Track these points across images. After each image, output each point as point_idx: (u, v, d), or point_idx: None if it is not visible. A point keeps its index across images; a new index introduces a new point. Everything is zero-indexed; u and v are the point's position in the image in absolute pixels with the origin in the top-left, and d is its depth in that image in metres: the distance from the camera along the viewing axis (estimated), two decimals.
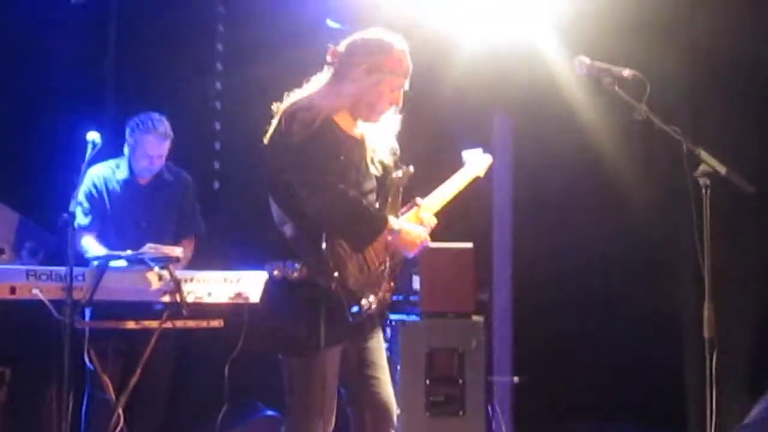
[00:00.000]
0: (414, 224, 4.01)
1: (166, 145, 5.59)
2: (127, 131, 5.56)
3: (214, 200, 6.77)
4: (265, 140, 3.88)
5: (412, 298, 5.63)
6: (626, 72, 3.99)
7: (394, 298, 5.30)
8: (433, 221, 4.11)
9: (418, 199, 4.14)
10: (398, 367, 5.31)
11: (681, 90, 5.95)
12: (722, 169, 3.85)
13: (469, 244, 5.51)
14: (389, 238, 3.87)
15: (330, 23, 6.49)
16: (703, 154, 3.88)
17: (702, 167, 3.87)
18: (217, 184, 6.93)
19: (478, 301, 5.59)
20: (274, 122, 3.86)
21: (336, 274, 3.73)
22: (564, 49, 6.15)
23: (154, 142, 5.52)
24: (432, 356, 5.39)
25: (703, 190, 3.86)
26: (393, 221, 3.88)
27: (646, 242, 6.39)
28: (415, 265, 5.54)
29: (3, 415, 5.27)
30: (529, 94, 6.58)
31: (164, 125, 5.57)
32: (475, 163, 4.44)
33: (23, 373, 5.32)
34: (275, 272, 3.87)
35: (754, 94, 5.98)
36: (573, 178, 6.68)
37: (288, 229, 3.84)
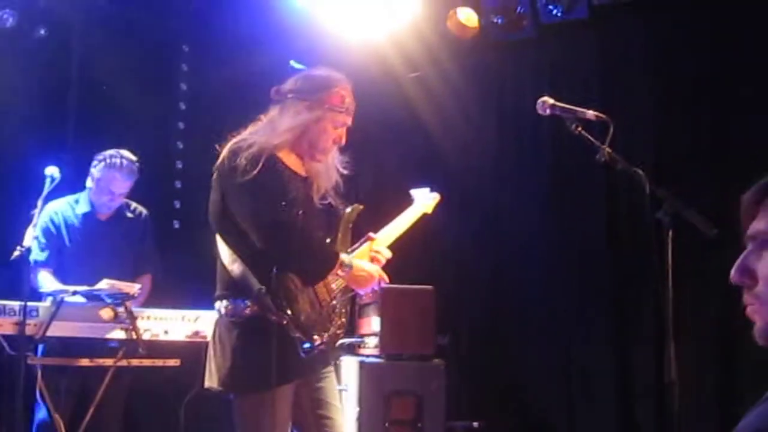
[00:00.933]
0: (366, 261, 3.98)
1: (129, 184, 5.53)
2: (94, 164, 5.48)
3: (174, 239, 6.75)
4: (213, 179, 3.83)
5: (370, 339, 5.54)
6: (590, 113, 3.98)
7: (353, 339, 5.44)
8: (388, 254, 4.09)
9: (372, 234, 4.12)
10: (357, 409, 5.23)
11: (644, 129, 5.98)
12: (684, 210, 3.82)
13: (429, 287, 5.45)
14: (341, 273, 3.83)
15: (294, 64, 6.49)
16: (666, 195, 3.85)
17: (664, 207, 3.84)
18: (177, 224, 6.92)
19: (439, 344, 5.48)
20: (219, 161, 3.81)
21: (288, 310, 3.67)
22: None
23: (119, 180, 5.46)
24: (391, 399, 5.31)
25: (666, 231, 3.83)
26: (345, 257, 3.84)
27: (608, 284, 6.36)
28: (373, 307, 5.46)
29: None
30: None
31: (133, 165, 5.51)
32: (423, 200, 4.49)
33: None
34: (225, 310, 3.81)
35: (714, 128, 5.98)
36: (531, 215, 6.69)
37: (237, 267, 3.78)
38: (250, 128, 3.88)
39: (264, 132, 3.83)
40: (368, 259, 4.04)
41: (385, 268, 4.11)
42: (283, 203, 3.74)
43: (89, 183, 5.50)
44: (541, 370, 6.54)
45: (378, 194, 4.52)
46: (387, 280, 4.02)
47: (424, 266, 6.04)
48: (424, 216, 4.52)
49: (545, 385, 6.53)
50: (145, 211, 5.77)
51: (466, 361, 6.05)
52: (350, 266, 3.84)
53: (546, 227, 6.66)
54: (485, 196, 6.98)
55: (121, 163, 5.44)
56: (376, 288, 4.01)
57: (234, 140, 3.81)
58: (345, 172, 4.04)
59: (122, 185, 5.48)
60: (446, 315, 5.47)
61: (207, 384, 3.88)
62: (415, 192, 4.54)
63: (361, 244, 4.10)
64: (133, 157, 5.53)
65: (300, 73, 3.98)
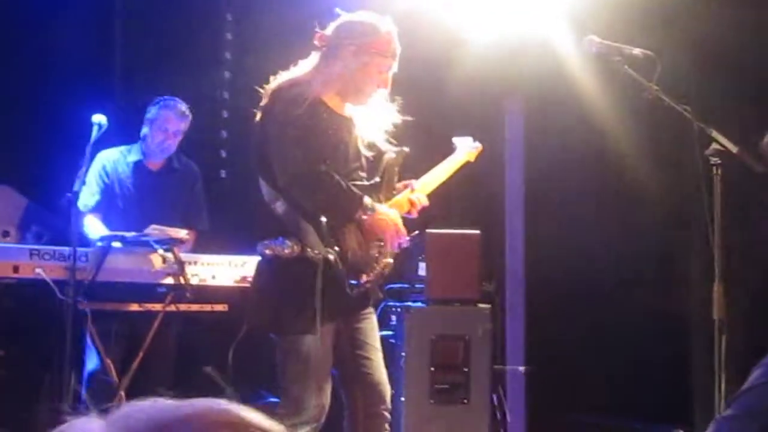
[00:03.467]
0: (390, 209, 3.98)
1: (183, 126, 5.54)
2: (149, 109, 5.50)
3: (221, 188, 6.73)
4: (255, 120, 3.89)
5: (417, 285, 5.53)
6: (636, 51, 3.92)
7: (399, 285, 5.45)
8: (425, 201, 4.12)
9: (413, 182, 4.16)
10: (403, 354, 5.24)
11: (690, 71, 5.85)
12: (734, 148, 3.78)
13: (476, 231, 5.42)
14: (363, 217, 3.83)
15: (339, 12, 6.42)
16: (714, 133, 3.81)
17: (713, 146, 3.79)
18: (223, 173, 6.90)
19: (485, 291, 5.47)
20: (262, 102, 3.87)
21: (336, 247, 3.69)
22: (575, 36, 6.08)
23: (173, 118, 5.47)
24: (437, 343, 5.28)
25: (714, 170, 3.79)
26: (367, 201, 3.85)
27: (657, 226, 6.29)
28: (421, 252, 5.45)
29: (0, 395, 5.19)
30: (541, 82, 6.50)
31: (185, 108, 5.55)
32: (465, 149, 4.50)
33: (21, 354, 5.25)
34: (267, 251, 3.85)
35: (760, 77, 5.85)
36: (584, 166, 6.61)
37: (280, 206, 3.83)
38: (293, 72, 3.89)
39: (308, 76, 3.86)
40: (406, 205, 4.07)
41: (429, 212, 4.18)
42: (321, 145, 3.78)
43: (144, 130, 5.51)
44: (587, 314, 6.50)
45: (422, 140, 4.49)
46: (405, 236, 4.02)
47: (471, 212, 5.98)
48: (467, 164, 4.53)
49: (591, 329, 6.46)
50: (195, 166, 5.78)
51: (512, 307, 5.94)
52: (373, 210, 3.85)
53: (592, 171, 6.56)
54: (532, 143, 6.86)
55: (175, 103, 5.48)
56: (397, 242, 3.98)
57: (277, 83, 3.84)
58: (391, 116, 4.04)
59: (176, 123, 5.48)
60: (492, 261, 5.40)
61: (249, 324, 3.98)
62: (457, 140, 4.55)
63: (400, 192, 4.13)
64: (184, 105, 5.56)
65: (345, 18, 3.97)
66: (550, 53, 6.38)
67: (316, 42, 3.93)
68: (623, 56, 3.93)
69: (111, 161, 5.51)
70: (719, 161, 3.80)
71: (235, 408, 1.18)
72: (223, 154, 6.92)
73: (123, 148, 5.58)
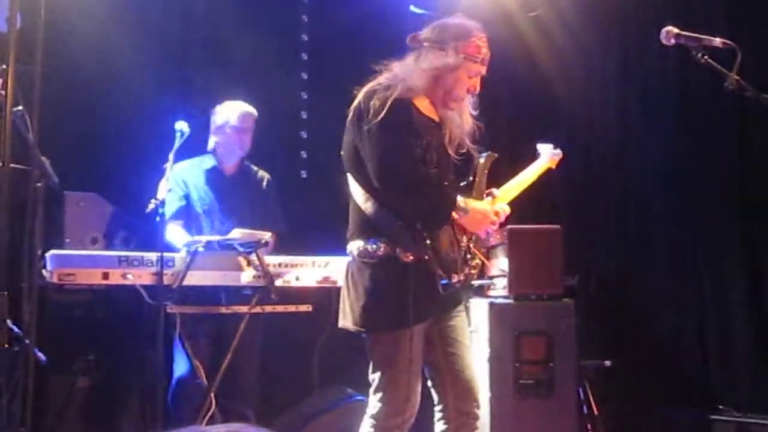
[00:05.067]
0: (481, 202, 4.03)
1: (253, 122, 5.60)
2: (213, 115, 5.58)
3: (302, 188, 6.81)
4: (347, 121, 3.91)
5: (499, 280, 5.54)
6: (717, 41, 3.85)
7: (482, 281, 5.52)
8: (507, 210, 4.15)
9: (494, 190, 4.18)
10: (488, 350, 5.24)
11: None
12: None
13: (557, 226, 5.40)
14: (457, 216, 3.87)
15: (414, 9, 6.46)
16: None
17: None
18: (304, 174, 6.96)
19: (567, 285, 5.45)
20: (354, 103, 3.89)
21: (429, 247, 3.74)
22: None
23: (242, 116, 5.54)
24: (522, 339, 5.29)
25: None
26: (460, 201, 3.88)
27: (739, 214, 6.19)
28: (501, 248, 5.46)
29: (91, 402, 5.30)
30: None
31: (248, 105, 5.61)
32: (548, 155, 4.59)
33: (113, 359, 5.35)
34: (357, 251, 3.87)
35: None
36: (656, 153, 6.59)
37: (371, 206, 3.85)
38: (385, 74, 3.92)
39: (400, 77, 3.88)
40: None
41: (510, 214, 4.18)
42: (412, 147, 3.79)
43: (215, 138, 5.59)
44: (672, 305, 6.44)
45: (509, 147, 4.52)
46: (507, 212, 4.11)
47: (551, 207, 5.96)
48: (549, 171, 4.60)
49: (676, 321, 6.42)
50: (267, 175, 5.81)
51: (595, 302, 5.95)
52: (466, 210, 3.89)
53: (675, 162, 6.51)
54: (611, 135, 6.85)
55: (240, 102, 5.58)
56: (492, 229, 4.04)
57: (370, 84, 3.88)
58: (479, 122, 4.08)
59: (245, 120, 5.56)
60: (574, 255, 5.37)
61: (341, 324, 3.98)
62: (540, 147, 4.62)
63: (486, 197, 4.15)
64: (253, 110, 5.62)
65: (437, 21, 4.02)
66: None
67: (408, 42, 3.98)
68: (703, 47, 3.86)
69: (186, 170, 5.58)
70: None
71: None
72: (304, 155, 6.98)
73: (196, 158, 5.64)
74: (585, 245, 6.19)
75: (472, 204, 3.95)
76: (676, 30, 3.89)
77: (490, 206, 4.03)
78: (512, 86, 6.80)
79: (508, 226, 5.20)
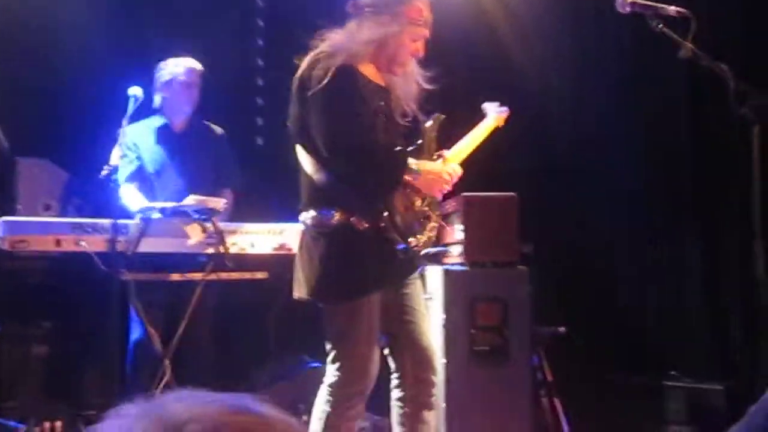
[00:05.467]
0: (433, 163, 4.04)
1: (198, 77, 5.59)
2: (158, 72, 5.57)
3: (258, 155, 6.81)
4: (292, 92, 3.90)
5: (454, 247, 5.50)
6: (671, 9, 3.87)
7: (438, 249, 5.40)
8: (459, 171, 4.15)
9: (445, 152, 4.19)
10: (443, 316, 5.19)
11: (730, 28, 5.79)
12: None
13: (512, 194, 5.38)
14: (409, 178, 3.88)
15: None
16: (752, 90, 3.76)
17: (750, 102, 3.75)
18: (260, 140, 6.95)
19: (522, 253, 5.43)
20: (298, 73, 3.87)
21: (385, 212, 3.75)
22: None
23: (188, 71, 5.55)
24: (477, 305, 5.23)
25: (751, 126, 3.75)
26: (411, 163, 3.89)
27: (693, 183, 6.28)
28: (456, 215, 5.45)
29: (46, 369, 5.30)
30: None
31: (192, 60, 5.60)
32: (495, 114, 4.62)
33: (67, 327, 5.35)
34: (311, 221, 3.86)
35: None
36: (611, 122, 6.64)
37: (323, 176, 3.83)
38: (328, 41, 3.89)
39: (343, 44, 3.85)
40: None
41: (465, 178, 4.19)
42: (359, 113, 3.79)
43: (160, 95, 5.57)
44: (627, 274, 6.51)
45: (451, 107, 4.54)
46: (458, 172, 4.10)
47: (507, 176, 6.00)
48: (497, 129, 4.61)
49: (631, 289, 6.49)
50: (220, 130, 5.80)
51: (550, 269, 5.95)
52: (419, 172, 3.90)
53: (629, 131, 6.56)
54: (565, 100, 6.88)
55: (183, 58, 5.57)
56: (446, 189, 4.06)
57: (314, 52, 3.85)
58: (425, 85, 4.05)
59: (194, 75, 5.56)
60: (531, 223, 5.39)
61: (296, 294, 3.96)
62: (486, 106, 4.64)
63: (436, 159, 4.15)
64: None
65: None
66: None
67: (349, 9, 3.95)
68: (658, 15, 3.88)
69: (136, 132, 5.54)
70: (756, 118, 3.76)
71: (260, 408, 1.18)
72: (260, 121, 6.96)
73: (145, 120, 5.61)
74: (541, 213, 6.17)
75: (424, 165, 3.96)
76: None
77: (442, 167, 4.03)
78: (466, 50, 6.78)
79: (462, 194, 5.19)
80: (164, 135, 5.58)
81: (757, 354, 3.81)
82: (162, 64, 5.56)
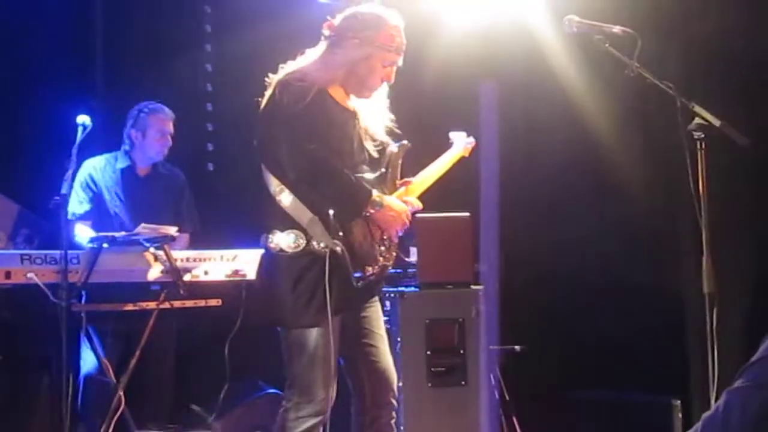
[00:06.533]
0: (397, 200, 4.04)
1: (173, 127, 5.65)
2: (134, 118, 5.60)
3: (209, 182, 6.77)
4: (260, 110, 3.90)
5: (409, 270, 5.58)
6: (616, 28, 3.94)
7: (392, 271, 5.28)
8: (418, 205, 4.18)
9: (410, 179, 4.23)
10: (398, 339, 5.27)
11: (673, 47, 5.88)
12: (716, 122, 3.80)
13: (466, 214, 5.45)
14: (371, 211, 3.88)
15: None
16: (697, 108, 3.84)
17: (696, 121, 3.82)
18: (210, 166, 6.93)
19: (476, 272, 5.53)
20: (268, 93, 3.88)
21: (342, 239, 3.76)
22: (551, 16, 6.10)
23: (165, 120, 5.60)
24: (432, 327, 5.32)
25: (698, 144, 3.82)
26: (376, 195, 3.89)
27: (642, 203, 6.34)
28: (413, 237, 5.47)
29: None
30: (517, 64, 6.59)
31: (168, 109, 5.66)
32: (461, 143, 4.60)
33: (19, 359, 5.29)
34: (271, 244, 3.87)
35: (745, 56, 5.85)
36: (563, 145, 6.67)
37: (285, 198, 3.84)
38: (299, 63, 3.93)
39: (314, 67, 3.89)
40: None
41: (421, 200, 4.22)
42: (327, 138, 3.81)
43: (129, 141, 5.61)
44: (581, 291, 6.55)
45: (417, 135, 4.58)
46: (419, 208, 4.15)
47: (461, 195, 6.01)
48: (462, 159, 4.62)
49: (586, 305, 6.53)
50: (180, 172, 5.85)
51: (505, 287, 5.99)
52: (381, 205, 3.88)
53: (578, 149, 6.59)
54: (517, 131, 6.86)
55: (162, 106, 5.60)
56: (402, 231, 4.06)
57: (283, 73, 3.88)
58: (391, 116, 4.14)
59: (169, 125, 5.61)
60: (486, 241, 5.43)
61: (255, 320, 4.04)
62: (453, 135, 4.62)
63: (400, 187, 4.19)
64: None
65: (351, 9, 4.03)
66: (526, 34, 6.43)
67: (324, 31, 3.98)
68: (603, 34, 3.95)
69: (98, 169, 5.56)
70: (703, 135, 3.83)
71: None
72: (210, 147, 6.93)
73: (108, 155, 5.63)
74: (497, 231, 6.24)
75: (388, 200, 3.96)
76: (577, 18, 3.97)
77: (404, 207, 4.03)
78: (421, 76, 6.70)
79: (417, 215, 5.11)
80: (128, 178, 5.61)
81: (709, 370, 3.84)
82: (142, 107, 5.60)
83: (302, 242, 3.79)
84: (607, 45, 3.92)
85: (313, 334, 3.83)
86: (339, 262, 3.77)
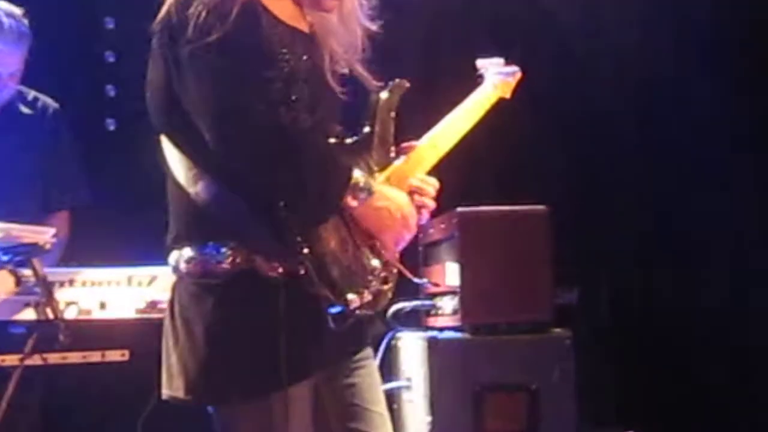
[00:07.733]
0: (395, 189, 3.62)
1: (20, 57, 5.38)
2: None
3: (108, 149, 6.76)
4: (153, 47, 3.49)
5: (444, 300, 5.36)
6: None
7: (415, 303, 5.55)
8: (434, 184, 3.80)
9: (414, 143, 3.87)
10: (429, 418, 5.10)
11: None
12: None
13: (541, 207, 5.24)
14: (353, 203, 3.44)
15: None
16: None
17: None
18: (112, 124, 6.86)
19: (561, 304, 5.33)
20: (161, 15, 3.45)
21: (306, 250, 3.28)
22: None
23: (3, 51, 5.35)
24: (486, 397, 5.11)
25: None
26: (359, 176, 3.46)
27: None
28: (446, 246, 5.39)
29: None
30: None
31: (17, 22, 5.32)
32: (496, 77, 4.30)
33: None
34: (187, 265, 3.40)
35: None
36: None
37: (205, 190, 3.39)
38: None
39: None
40: (405, 189, 3.71)
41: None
42: (264, 80, 3.38)
43: None
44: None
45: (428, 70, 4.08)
46: (428, 215, 3.77)
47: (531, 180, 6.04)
48: (501, 102, 4.25)
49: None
50: (53, 105, 5.65)
51: (609, 330, 6.03)
52: (369, 191, 3.44)
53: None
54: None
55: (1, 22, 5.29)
56: (408, 236, 3.65)
57: None
58: (375, 28, 3.73)
59: (9, 59, 5.31)
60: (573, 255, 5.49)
61: (166, 392, 3.57)
62: (482, 63, 4.30)
63: (396, 157, 3.79)
64: (17, 11, 5.36)
65: None
66: None
67: None
68: None
69: None
70: None
71: None
72: (111, 92, 6.87)
73: None
74: (591, 236, 6.25)
75: (380, 187, 3.53)
76: None
77: (405, 197, 3.63)
78: None
79: (459, 209, 5.10)
80: None
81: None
82: None
83: (239, 260, 3.35)
84: None
85: (266, 411, 3.42)
86: (304, 291, 3.30)
